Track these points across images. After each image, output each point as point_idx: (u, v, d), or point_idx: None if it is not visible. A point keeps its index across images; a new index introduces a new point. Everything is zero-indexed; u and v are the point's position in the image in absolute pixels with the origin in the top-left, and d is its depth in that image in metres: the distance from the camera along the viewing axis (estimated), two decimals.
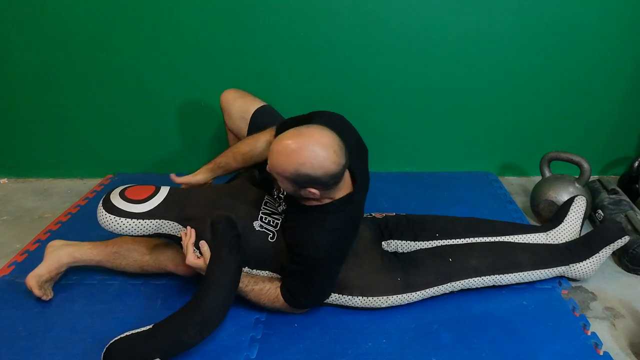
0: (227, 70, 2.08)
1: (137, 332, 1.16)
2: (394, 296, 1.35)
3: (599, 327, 1.34)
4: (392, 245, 1.52)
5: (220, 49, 2.05)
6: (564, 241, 1.53)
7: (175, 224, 1.33)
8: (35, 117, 2.21)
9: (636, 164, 1.91)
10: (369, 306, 1.36)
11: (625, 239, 1.45)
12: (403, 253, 1.48)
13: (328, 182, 1.19)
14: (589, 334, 1.30)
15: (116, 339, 1.15)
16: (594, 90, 2.09)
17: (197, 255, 1.29)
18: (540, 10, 1.93)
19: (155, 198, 1.32)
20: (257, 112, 1.63)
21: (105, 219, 1.28)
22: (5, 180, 2.36)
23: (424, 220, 1.56)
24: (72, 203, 2.07)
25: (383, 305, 1.36)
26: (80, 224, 1.89)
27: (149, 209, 1.29)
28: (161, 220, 1.31)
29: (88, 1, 1.97)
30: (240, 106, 1.63)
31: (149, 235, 1.33)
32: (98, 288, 1.51)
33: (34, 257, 1.64)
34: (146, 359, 1.13)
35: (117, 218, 1.27)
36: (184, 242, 1.30)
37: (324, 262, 1.26)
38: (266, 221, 1.36)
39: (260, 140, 1.46)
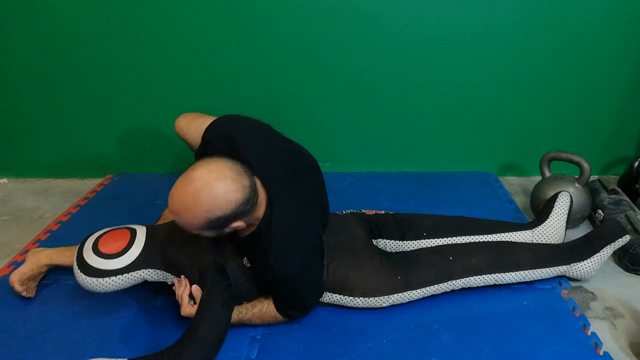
0: (226, 70, 2.08)
1: None
2: (395, 295, 1.35)
3: (599, 327, 1.34)
4: (381, 244, 1.52)
5: (220, 49, 2.05)
6: (550, 238, 1.54)
7: (161, 271, 1.28)
8: (35, 117, 2.21)
9: (636, 164, 1.91)
10: (370, 306, 1.36)
11: (626, 238, 1.45)
12: (402, 252, 1.48)
13: (245, 209, 1.12)
14: (589, 334, 1.30)
15: None
16: (594, 90, 2.08)
17: (192, 304, 1.23)
18: (541, 10, 1.93)
19: (134, 247, 1.23)
20: (203, 139, 1.43)
21: (87, 283, 1.20)
22: (5, 180, 2.36)
23: (411, 219, 1.56)
24: (72, 203, 2.07)
25: (384, 305, 1.36)
26: (80, 224, 1.89)
27: (129, 262, 1.22)
28: (146, 270, 1.25)
29: (88, 1, 1.97)
30: (195, 131, 1.41)
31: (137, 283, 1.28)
32: None
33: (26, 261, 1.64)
34: None
35: (98, 280, 1.20)
36: (178, 293, 1.25)
37: (294, 276, 1.22)
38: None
39: None
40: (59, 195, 2.19)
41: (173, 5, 1.97)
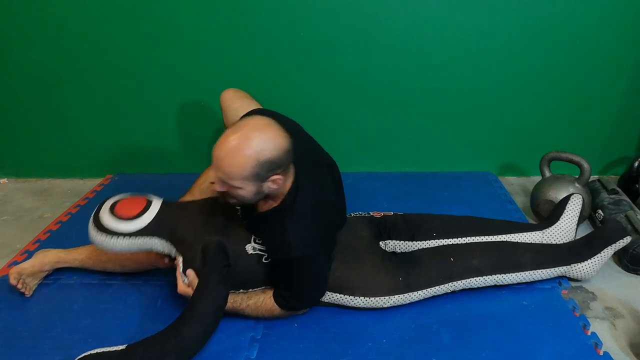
0: (227, 70, 2.08)
1: (110, 350, 1.14)
2: (396, 296, 1.35)
3: (599, 327, 1.34)
4: (390, 245, 1.52)
5: (220, 49, 2.05)
6: (560, 239, 1.53)
7: (167, 242, 1.31)
8: (35, 117, 2.22)
9: (636, 164, 1.90)
10: (370, 306, 1.36)
11: (627, 239, 1.45)
12: (404, 253, 1.48)
13: (286, 159, 1.16)
14: (589, 334, 1.30)
15: (86, 354, 1.14)
16: (594, 90, 2.08)
17: (186, 283, 1.28)
18: (540, 10, 1.93)
19: (147, 214, 1.29)
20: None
21: (97, 238, 1.26)
22: (5, 180, 2.36)
23: (420, 219, 1.56)
24: (72, 203, 2.07)
25: (385, 305, 1.36)
26: (80, 224, 1.87)
27: (140, 227, 1.27)
28: (153, 238, 1.29)
29: (88, 1, 1.97)
30: (237, 108, 1.58)
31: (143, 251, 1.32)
32: (98, 288, 1.51)
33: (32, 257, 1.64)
34: None
35: (108, 237, 1.25)
36: (177, 271, 1.29)
37: (304, 259, 1.24)
38: (260, 242, 1.32)
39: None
40: (59, 195, 2.19)
41: (173, 5, 1.97)
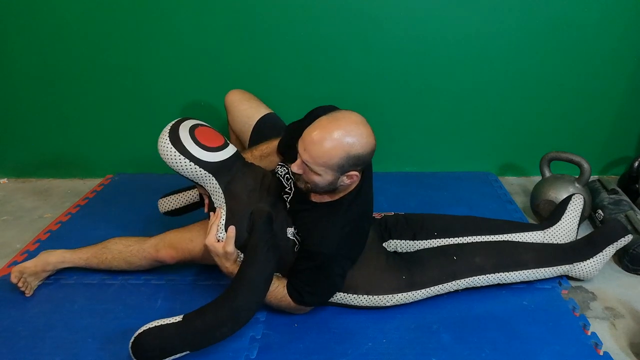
0: (227, 70, 2.08)
1: (167, 323, 1.15)
2: (399, 294, 1.35)
3: (599, 327, 1.34)
4: (392, 245, 1.52)
5: (220, 49, 2.05)
6: (561, 239, 1.53)
7: (220, 189, 1.30)
8: (35, 117, 2.21)
9: (636, 164, 1.91)
10: (374, 305, 1.36)
11: (628, 238, 1.45)
12: (406, 252, 1.49)
13: (369, 159, 1.21)
14: (589, 334, 1.30)
15: (145, 328, 1.14)
16: (594, 90, 2.09)
17: (218, 238, 1.27)
18: (541, 10, 1.93)
19: (221, 153, 1.28)
20: (261, 121, 1.62)
21: (167, 150, 1.24)
22: (5, 180, 2.36)
23: (422, 219, 1.56)
24: (72, 203, 2.07)
25: (388, 304, 1.36)
26: (80, 224, 1.89)
27: (210, 160, 1.26)
28: (212, 177, 1.28)
29: (88, 1, 1.97)
30: (244, 110, 1.62)
31: (189, 181, 1.31)
32: (98, 288, 1.51)
33: (33, 257, 1.64)
34: (175, 351, 1.13)
35: (177, 154, 1.23)
36: (210, 221, 1.30)
37: (334, 258, 1.25)
38: (297, 230, 1.34)
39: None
40: (59, 195, 2.19)
41: (173, 5, 1.97)
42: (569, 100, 2.11)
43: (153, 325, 1.14)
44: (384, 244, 1.51)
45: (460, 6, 1.94)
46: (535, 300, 1.42)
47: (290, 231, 1.33)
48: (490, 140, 2.21)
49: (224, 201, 1.31)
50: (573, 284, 1.51)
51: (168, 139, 1.24)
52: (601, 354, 1.23)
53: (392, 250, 1.52)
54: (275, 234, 1.29)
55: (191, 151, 1.24)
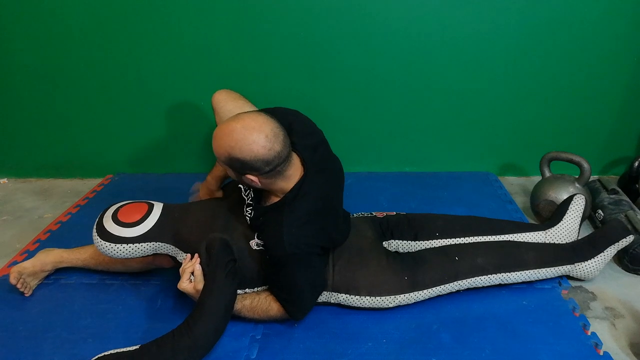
0: (226, 70, 2.08)
1: (123, 351, 1.15)
2: (401, 295, 1.35)
3: (599, 327, 1.34)
4: (393, 245, 1.52)
5: (220, 50, 2.05)
6: (563, 239, 1.53)
7: (171, 246, 1.33)
8: (35, 117, 2.21)
9: (636, 164, 1.90)
10: (376, 306, 1.36)
11: (630, 239, 1.45)
12: (408, 253, 1.48)
13: (261, 167, 1.16)
14: (589, 334, 1.30)
15: (99, 356, 1.14)
16: (594, 90, 2.08)
17: (190, 281, 1.27)
18: (541, 10, 1.93)
19: (149, 219, 1.31)
20: None
21: (101, 246, 1.28)
22: (5, 180, 2.36)
23: (423, 219, 1.56)
24: (72, 203, 2.07)
25: (390, 305, 1.36)
26: (80, 224, 1.89)
27: (142, 232, 1.29)
28: (156, 243, 1.31)
29: (88, 1, 1.97)
30: (230, 110, 1.54)
31: (148, 255, 1.34)
32: (98, 288, 1.51)
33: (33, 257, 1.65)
34: None
35: (112, 245, 1.27)
36: (182, 267, 1.30)
37: (293, 258, 1.22)
38: (260, 238, 1.31)
39: None
40: (59, 195, 2.19)
41: (173, 5, 1.97)
42: (569, 100, 2.11)
43: (109, 353, 1.15)
44: (385, 244, 1.51)
45: (461, 6, 1.94)
46: (535, 300, 1.42)
47: (254, 242, 1.31)
48: (490, 140, 2.21)
49: (181, 250, 1.33)
50: (573, 284, 1.51)
51: (98, 236, 1.28)
52: (601, 354, 1.23)
53: (394, 250, 1.52)
54: (234, 258, 1.29)
55: (123, 235, 1.27)
